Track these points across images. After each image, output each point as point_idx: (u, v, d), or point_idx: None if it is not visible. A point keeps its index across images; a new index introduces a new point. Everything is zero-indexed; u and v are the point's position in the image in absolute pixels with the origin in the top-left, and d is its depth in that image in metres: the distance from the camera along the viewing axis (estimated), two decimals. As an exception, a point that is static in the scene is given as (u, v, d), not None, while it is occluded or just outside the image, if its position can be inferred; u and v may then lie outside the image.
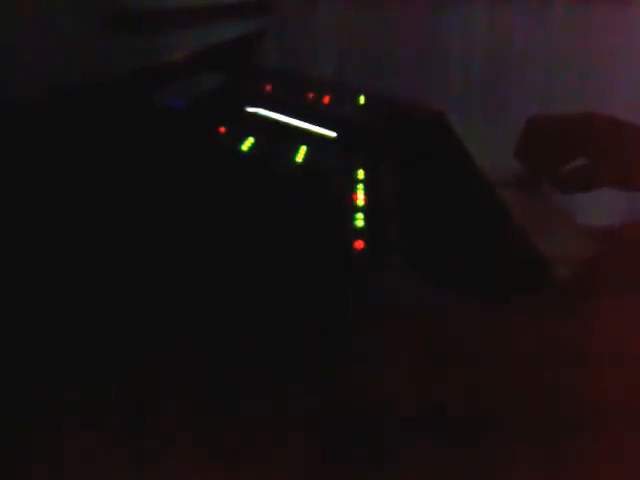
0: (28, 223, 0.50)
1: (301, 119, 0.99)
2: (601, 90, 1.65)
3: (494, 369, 0.43)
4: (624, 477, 0.39)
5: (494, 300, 0.49)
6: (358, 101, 1.20)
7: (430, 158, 0.96)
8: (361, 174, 0.82)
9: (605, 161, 0.73)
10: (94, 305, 0.45)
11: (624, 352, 0.44)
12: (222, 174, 0.72)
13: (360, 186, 0.77)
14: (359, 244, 0.60)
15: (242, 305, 0.46)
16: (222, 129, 0.88)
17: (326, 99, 1.15)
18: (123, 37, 0.65)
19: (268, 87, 1.17)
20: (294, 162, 0.81)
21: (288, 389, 0.41)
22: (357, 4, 1.95)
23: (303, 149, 0.86)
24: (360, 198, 0.73)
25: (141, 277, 0.48)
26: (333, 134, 0.97)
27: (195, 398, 0.40)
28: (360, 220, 0.66)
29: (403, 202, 0.78)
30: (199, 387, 0.40)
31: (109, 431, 0.38)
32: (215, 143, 0.83)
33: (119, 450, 0.38)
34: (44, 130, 0.55)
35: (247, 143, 0.83)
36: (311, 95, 1.16)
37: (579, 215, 0.71)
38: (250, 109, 1.01)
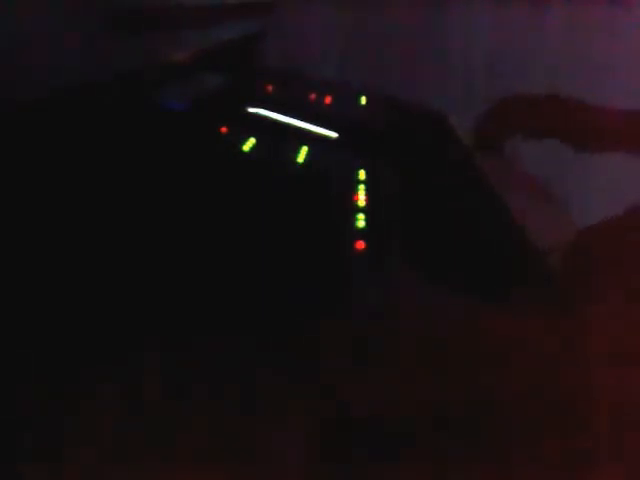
0: (28, 222, 0.50)
1: (302, 119, 0.99)
2: (601, 90, 1.65)
3: (494, 369, 0.43)
4: (624, 477, 0.39)
5: (494, 300, 0.49)
6: (359, 101, 1.20)
7: (431, 158, 0.96)
8: (362, 175, 0.82)
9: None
10: (97, 304, 0.45)
11: (624, 352, 0.44)
12: (223, 174, 0.72)
13: (361, 187, 0.77)
14: (360, 245, 0.60)
15: (242, 305, 0.46)
16: (223, 129, 0.88)
17: (327, 99, 1.15)
18: (123, 37, 0.65)
19: (269, 87, 1.17)
20: (295, 162, 0.81)
21: (288, 389, 0.41)
22: (357, 4, 1.95)
23: (304, 149, 0.86)
24: (361, 199, 0.73)
25: (141, 277, 0.48)
26: (334, 134, 0.97)
27: (195, 398, 0.40)
28: (361, 221, 0.66)
29: (404, 203, 0.78)
30: (199, 387, 0.40)
31: (109, 430, 0.38)
32: (216, 143, 0.83)
33: (119, 449, 0.38)
34: (44, 130, 0.55)
35: (248, 143, 0.83)
36: (312, 95, 1.16)
37: (577, 210, 0.71)
38: (251, 109, 1.01)
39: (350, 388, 0.41)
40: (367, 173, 0.82)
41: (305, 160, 0.82)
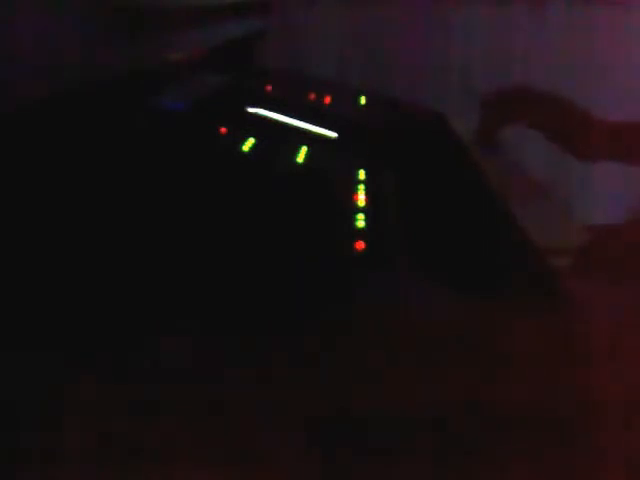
0: (29, 222, 0.50)
1: (302, 119, 0.99)
2: (601, 90, 1.65)
3: (493, 369, 0.43)
4: (624, 477, 0.39)
5: (493, 299, 0.49)
6: (359, 102, 1.20)
7: (430, 158, 0.96)
8: (362, 174, 0.82)
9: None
10: (97, 304, 0.45)
11: (623, 351, 0.44)
12: (223, 175, 0.72)
13: (361, 187, 0.77)
14: (360, 244, 0.60)
15: (242, 305, 0.46)
16: (223, 130, 0.88)
17: (327, 99, 1.15)
18: (123, 37, 0.65)
19: (269, 87, 1.17)
20: (295, 162, 0.81)
21: (288, 389, 0.41)
22: (357, 4, 1.95)
23: (304, 149, 0.85)
24: (361, 199, 0.73)
25: (140, 277, 0.48)
26: (334, 134, 0.97)
27: (195, 398, 0.40)
28: (361, 221, 0.66)
29: (403, 202, 0.78)
30: (199, 387, 0.40)
31: (108, 430, 0.38)
32: (216, 144, 0.83)
33: (119, 449, 0.38)
34: (44, 130, 0.55)
35: (248, 144, 0.83)
36: (312, 95, 1.16)
37: (578, 208, 0.72)
38: (251, 110, 1.01)
39: (350, 388, 0.41)
40: (367, 173, 0.82)
41: (305, 160, 0.82)
